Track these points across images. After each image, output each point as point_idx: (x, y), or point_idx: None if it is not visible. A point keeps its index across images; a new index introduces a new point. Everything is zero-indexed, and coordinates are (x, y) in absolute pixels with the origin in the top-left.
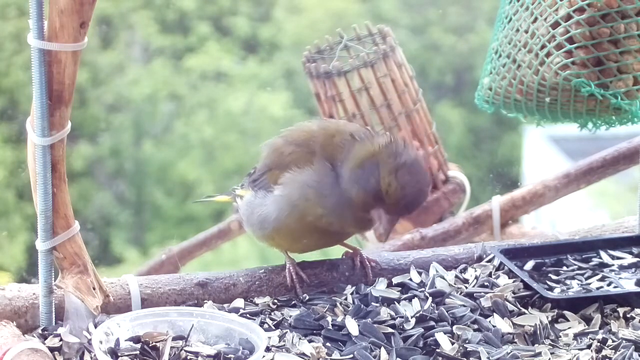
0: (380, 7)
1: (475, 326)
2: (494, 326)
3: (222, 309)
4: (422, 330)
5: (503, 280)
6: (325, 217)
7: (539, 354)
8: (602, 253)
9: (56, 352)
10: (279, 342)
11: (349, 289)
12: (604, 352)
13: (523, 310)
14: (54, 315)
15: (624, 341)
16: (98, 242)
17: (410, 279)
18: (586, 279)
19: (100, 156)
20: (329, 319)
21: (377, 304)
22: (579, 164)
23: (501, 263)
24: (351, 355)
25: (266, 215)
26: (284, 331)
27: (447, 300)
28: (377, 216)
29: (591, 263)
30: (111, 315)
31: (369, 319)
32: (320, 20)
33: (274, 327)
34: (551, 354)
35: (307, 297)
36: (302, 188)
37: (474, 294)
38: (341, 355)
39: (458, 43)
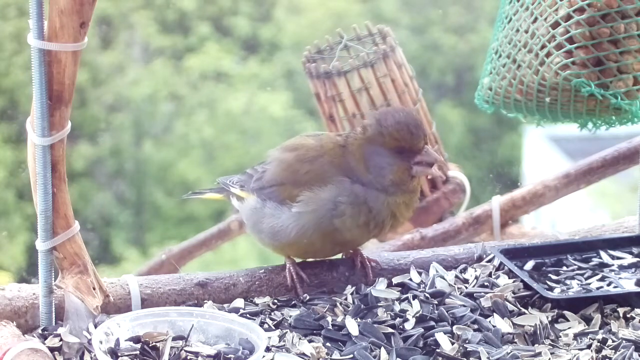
0: (380, 7)
1: (475, 326)
2: (494, 326)
3: (222, 309)
4: (422, 330)
5: (503, 280)
6: (371, 221)
7: (539, 354)
8: (602, 253)
9: (56, 352)
10: (279, 342)
11: (349, 289)
12: (604, 352)
13: (523, 310)
14: (54, 315)
15: (624, 341)
16: (98, 242)
17: (410, 279)
18: (586, 279)
19: (100, 156)
20: (329, 319)
21: (377, 304)
22: (579, 164)
23: (501, 263)
24: (351, 355)
25: (281, 229)
26: (284, 331)
27: (447, 300)
28: (419, 168)
29: (591, 263)
30: (111, 315)
31: (369, 319)
32: (320, 20)
33: (274, 327)
34: (551, 354)
35: (307, 297)
36: (330, 204)
37: (474, 294)
38: (341, 355)
39: (458, 43)
